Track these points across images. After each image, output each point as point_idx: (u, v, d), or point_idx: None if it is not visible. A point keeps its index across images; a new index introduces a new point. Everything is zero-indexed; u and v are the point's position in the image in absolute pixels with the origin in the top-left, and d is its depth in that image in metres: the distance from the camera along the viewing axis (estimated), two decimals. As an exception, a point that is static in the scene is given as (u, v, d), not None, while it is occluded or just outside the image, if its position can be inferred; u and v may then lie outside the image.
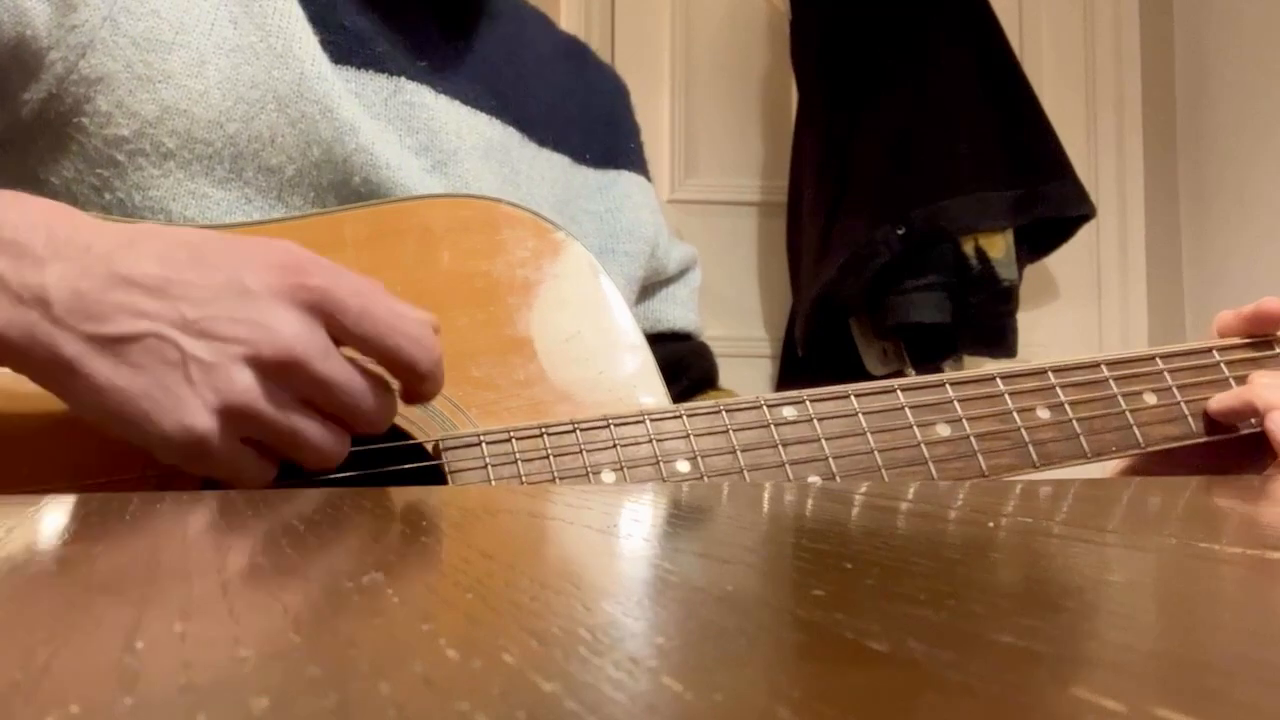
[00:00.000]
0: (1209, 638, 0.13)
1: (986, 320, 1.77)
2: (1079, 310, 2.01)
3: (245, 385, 0.40)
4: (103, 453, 0.44)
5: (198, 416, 0.39)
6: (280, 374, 0.41)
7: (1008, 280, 1.74)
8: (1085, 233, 1.84)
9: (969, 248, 1.73)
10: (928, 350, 1.80)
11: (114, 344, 0.39)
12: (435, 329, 0.45)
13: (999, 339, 1.78)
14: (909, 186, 1.73)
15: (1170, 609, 0.15)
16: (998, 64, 1.81)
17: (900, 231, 1.70)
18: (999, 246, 1.74)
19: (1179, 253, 2.04)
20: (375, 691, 0.10)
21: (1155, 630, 0.14)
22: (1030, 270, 1.85)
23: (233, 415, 0.40)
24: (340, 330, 0.42)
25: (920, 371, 1.82)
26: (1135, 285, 2.00)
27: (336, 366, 0.42)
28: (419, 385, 0.45)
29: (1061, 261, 1.93)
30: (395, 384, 0.45)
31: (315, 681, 0.11)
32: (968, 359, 1.84)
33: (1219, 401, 0.55)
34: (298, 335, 0.41)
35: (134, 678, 0.11)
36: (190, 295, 0.41)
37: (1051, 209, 1.76)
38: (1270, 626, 0.13)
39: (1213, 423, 0.55)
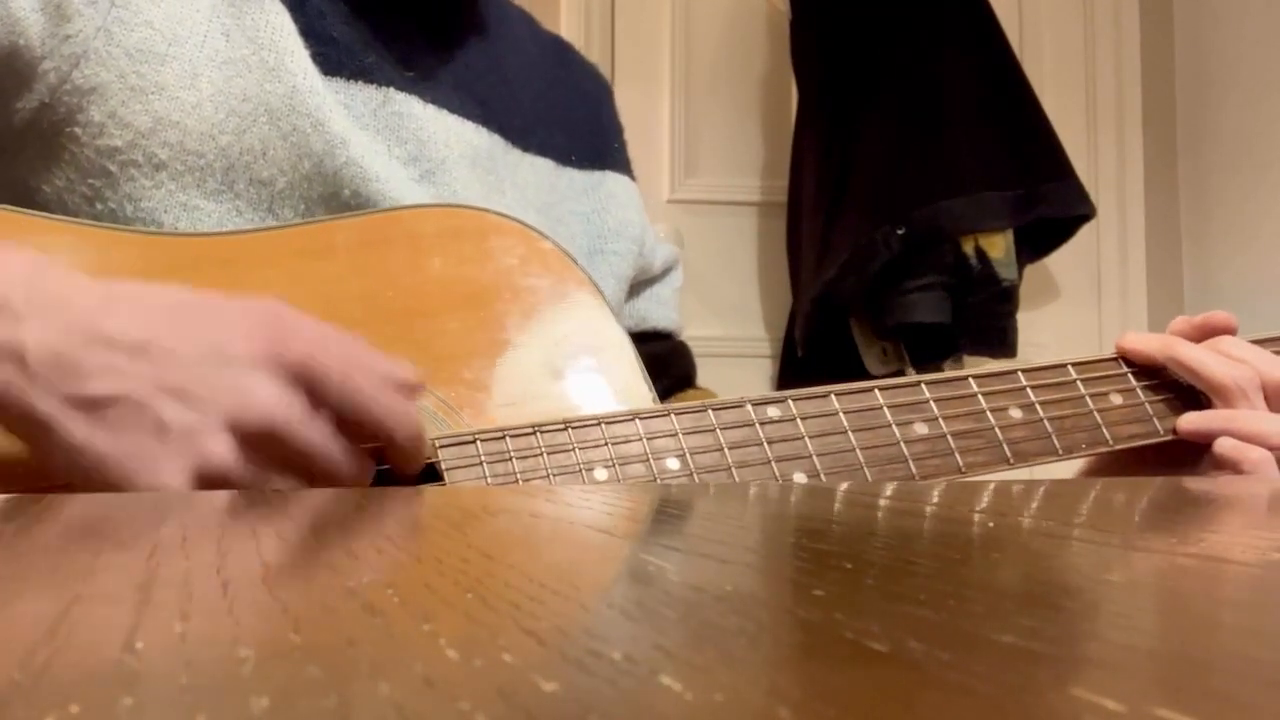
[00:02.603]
0: (1209, 638, 0.13)
1: (986, 320, 1.77)
2: (1079, 310, 2.01)
3: (221, 452, 0.40)
4: None
5: (172, 482, 0.39)
6: (258, 442, 0.41)
7: (1008, 280, 1.74)
8: (1085, 233, 1.84)
9: (969, 248, 1.73)
10: (928, 350, 1.80)
11: (91, 405, 0.39)
12: (418, 388, 0.45)
13: (999, 339, 1.78)
14: (909, 186, 1.73)
15: (1170, 609, 0.15)
16: (998, 64, 1.81)
17: (900, 231, 1.70)
18: (999, 246, 1.74)
19: (1179, 253, 2.04)
20: (375, 691, 0.10)
21: (1155, 630, 0.14)
22: (1030, 270, 1.85)
23: (207, 482, 0.39)
24: (321, 396, 0.42)
25: (920, 372, 1.82)
26: (1135, 285, 2.00)
27: (315, 436, 0.42)
28: (397, 455, 0.45)
29: (1061, 261, 1.93)
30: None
31: (315, 681, 0.11)
32: (968, 359, 1.84)
33: (1189, 423, 0.57)
34: (277, 403, 0.41)
35: (134, 678, 0.11)
36: (170, 358, 0.40)
37: (1052, 209, 1.76)
38: (1270, 626, 0.13)
39: (1174, 423, 0.58)
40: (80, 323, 0.40)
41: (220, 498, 0.33)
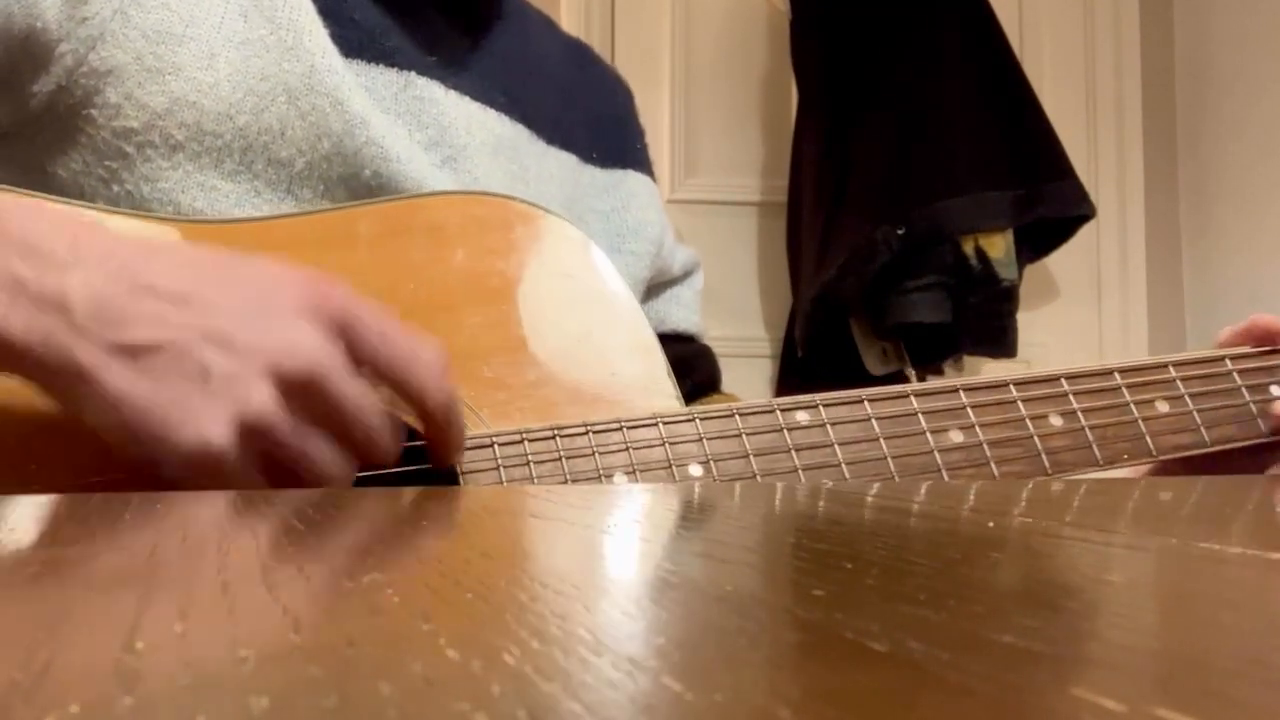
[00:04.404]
0: (1209, 638, 0.13)
1: (986, 320, 1.77)
2: (1079, 310, 2.01)
3: (263, 400, 0.39)
4: (104, 451, 0.44)
5: (214, 430, 0.39)
6: (299, 390, 0.40)
7: (1008, 280, 1.74)
8: (1085, 233, 1.84)
9: (969, 248, 1.73)
10: (928, 350, 1.80)
11: (133, 352, 0.39)
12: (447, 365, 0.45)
13: (999, 339, 1.78)
14: (909, 186, 1.73)
15: (1170, 609, 0.15)
16: (998, 64, 1.81)
17: (900, 231, 1.70)
18: (999, 246, 1.74)
19: (1179, 253, 2.04)
20: (375, 691, 0.10)
21: (1155, 630, 0.14)
22: (1030, 270, 1.85)
23: (248, 430, 0.39)
24: (360, 351, 0.42)
25: (920, 371, 1.82)
26: (1135, 285, 2.00)
27: (355, 388, 0.42)
28: (430, 418, 0.44)
29: (1061, 261, 1.93)
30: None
31: (315, 681, 0.11)
32: (968, 359, 1.84)
33: None
34: (319, 351, 0.41)
35: (134, 678, 0.11)
36: (213, 307, 0.40)
37: (1052, 209, 1.76)
38: (1270, 626, 0.13)
39: (1223, 432, 0.56)
40: (125, 272, 0.40)
41: (220, 498, 0.33)
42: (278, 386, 0.40)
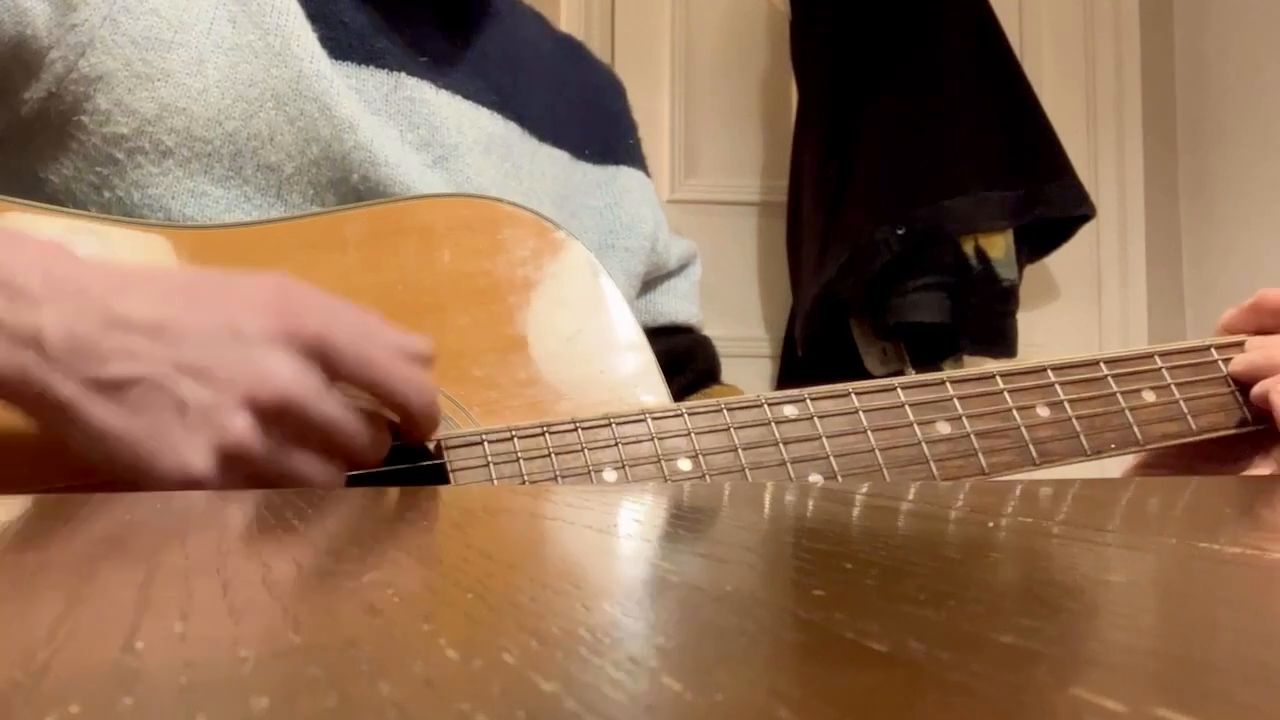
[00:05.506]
0: (1209, 638, 0.13)
1: (986, 320, 1.77)
2: (1079, 310, 2.01)
3: (241, 428, 0.40)
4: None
5: (195, 459, 0.40)
6: (276, 417, 0.41)
7: (1008, 280, 1.74)
8: (1085, 233, 1.84)
9: (969, 248, 1.73)
10: (928, 350, 1.80)
11: (110, 387, 0.39)
12: (430, 359, 0.46)
13: (999, 339, 1.78)
14: (909, 186, 1.73)
15: (1170, 609, 0.15)
16: (998, 64, 1.81)
17: (900, 231, 1.70)
18: (999, 246, 1.74)
19: (1179, 253, 2.03)
20: (375, 691, 0.10)
21: (1155, 630, 0.14)
22: (1030, 270, 1.85)
23: (229, 457, 0.40)
24: (336, 369, 0.43)
25: (920, 371, 1.82)
26: (1135, 285, 2.00)
27: (331, 408, 0.43)
28: (412, 425, 0.46)
29: (1061, 261, 1.93)
30: (393, 417, 0.46)
31: (315, 681, 0.11)
32: (968, 359, 1.84)
33: (1240, 362, 0.56)
34: (293, 378, 0.42)
35: (134, 678, 0.11)
36: (186, 338, 0.41)
37: (1052, 209, 1.76)
38: (1270, 626, 0.13)
39: (1210, 420, 0.56)
40: (96, 306, 0.40)
41: (221, 498, 0.33)
42: (254, 414, 0.41)
